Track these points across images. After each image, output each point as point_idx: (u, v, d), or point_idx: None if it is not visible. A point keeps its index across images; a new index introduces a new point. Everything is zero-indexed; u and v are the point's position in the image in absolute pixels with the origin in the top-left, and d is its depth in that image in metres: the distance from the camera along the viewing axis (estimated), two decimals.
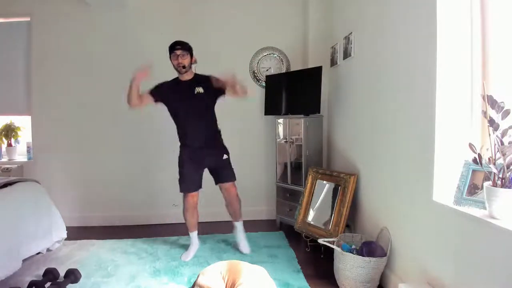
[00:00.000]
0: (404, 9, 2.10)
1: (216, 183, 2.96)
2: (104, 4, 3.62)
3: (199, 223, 3.10)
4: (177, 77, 2.89)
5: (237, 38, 3.84)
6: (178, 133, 2.93)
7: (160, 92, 2.84)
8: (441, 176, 1.77)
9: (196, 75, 2.92)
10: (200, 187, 2.93)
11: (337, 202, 2.79)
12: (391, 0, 2.26)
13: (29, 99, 3.74)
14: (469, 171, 1.65)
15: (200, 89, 2.83)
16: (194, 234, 2.98)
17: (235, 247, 3.05)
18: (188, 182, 2.87)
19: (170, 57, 2.81)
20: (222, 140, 3.00)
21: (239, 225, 3.04)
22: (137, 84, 2.68)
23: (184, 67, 2.78)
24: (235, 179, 2.98)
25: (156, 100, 2.85)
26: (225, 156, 2.93)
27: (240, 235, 3.02)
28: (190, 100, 2.82)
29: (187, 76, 2.87)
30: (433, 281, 1.79)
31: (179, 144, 2.96)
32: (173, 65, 2.81)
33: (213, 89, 2.82)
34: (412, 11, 2.00)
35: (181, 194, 2.93)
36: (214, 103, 2.93)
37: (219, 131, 3.00)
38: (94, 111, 3.77)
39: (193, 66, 2.90)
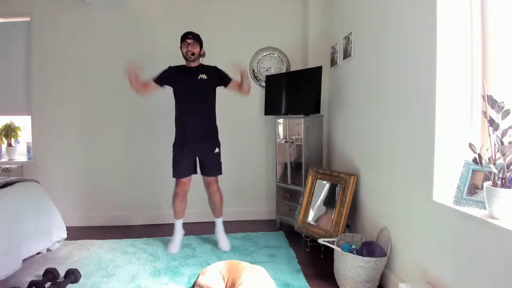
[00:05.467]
0: (404, 9, 2.10)
1: (201, 173, 3.02)
2: (104, 4, 3.62)
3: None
4: (184, 65, 2.99)
5: (237, 38, 3.84)
6: (176, 118, 3.00)
7: (165, 76, 2.96)
8: (441, 176, 1.77)
9: (202, 64, 3.02)
10: (194, 172, 3.00)
11: (337, 202, 2.79)
12: (391, 0, 2.26)
13: (29, 99, 3.74)
14: (469, 171, 1.65)
15: (204, 76, 2.94)
16: (179, 222, 3.04)
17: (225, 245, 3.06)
18: (181, 168, 2.94)
19: (180, 46, 2.92)
20: (217, 133, 3.05)
21: (218, 222, 3.07)
22: (132, 79, 2.79)
23: (193, 54, 2.89)
24: (219, 173, 3.02)
25: (161, 84, 2.96)
26: (216, 150, 2.99)
27: (220, 232, 3.05)
28: (193, 84, 2.92)
29: (194, 64, 2.96)
30: (433, 281, 1.79)
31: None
32: (182, 53, 2.92)
33: (215, 78, 2.98)
34: (412, 11, 2.00)
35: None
36: (214, 92, 3.01)
37: (216, 125, 3.05)
38: (94, 111, 3.76)
39: (200, 58, 3.01)
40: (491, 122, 1.44)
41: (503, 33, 1.61)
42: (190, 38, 2.87)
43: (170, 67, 3.00)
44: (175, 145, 2.99)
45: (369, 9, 2.62)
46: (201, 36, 2.95)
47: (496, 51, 1.65)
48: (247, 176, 3.95)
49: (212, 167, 2.98)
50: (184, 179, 2.96)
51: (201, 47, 2.95)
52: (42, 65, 3.69)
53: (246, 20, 3.85)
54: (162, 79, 2.95)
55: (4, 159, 3.86)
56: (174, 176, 2.97)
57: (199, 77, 2.91)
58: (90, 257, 2.85)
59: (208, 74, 2.95)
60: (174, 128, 3.03)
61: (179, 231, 3.04)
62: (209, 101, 3.00)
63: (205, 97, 2.97)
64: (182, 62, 3.00)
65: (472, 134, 1.73)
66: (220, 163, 3.02)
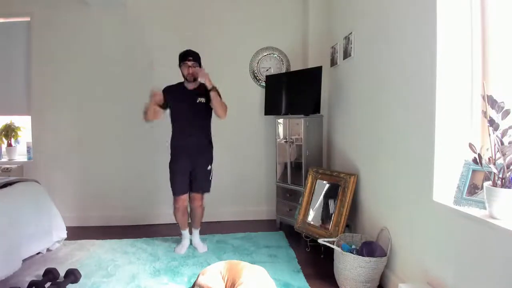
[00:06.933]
0: (404, 9, 2.10)
1: (189, 189, 3.01)
2: (103, 4, 3.63)
3: None
4: (183, 83, 2.97)
5: (237, 38, 3.85)
6: (172, 136, 3.00)
7: (166, 97, 2.90)
8: (441, 176, 1.77)
9: (201, 85, 2.94)
10: (189, 190, 3.01)
11: (337, 202, 2.79)
12: (391, 0, 2.26)
13: (29, 99, 3.74)
14: (469, 171, 1.65)
15: (202, 99, 2.92)
16: (186, 232, 3.09)
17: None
18: (178, 187, 2.97)
19: (179, 65, 2.90)
20: (212, 149, 3.06)
21: (195, 232, 3.11)
22: (156, 102, 2.78)
23: (195, 79, 2.88)
24: (207, 191, 3.04)
25: (165, 108, 2.94)
26: (208, 167, 3.01)
27: (196, 239, 3.09)
28: (191, 108, 2.92)
29: (193, 85, 2.94)
30: (433, 281, 1.79)
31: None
32: (183, 73, 2.90)
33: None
34: (412, 11, 2.00)
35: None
36: (211, 111, 2.98)
37: (211, 142, 3.06)
38: (94, 111, 3.76)
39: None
40: (491, 122, 1.44)
41: (503, 33, 1.61)
42: (191, 60, 2.85)
43: (165, 89, 2.93)
44: (172, 167, 2.99)
45: (369, 9, 2.62)
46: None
47: (496, 51, 1.65)
48: (247, 176, 3.95)
49: (201, 184, 2.99)
50: (182, 196, 2.99)
51: (200, 65, 2.92)
52: (42, 65, 3.69)
53: (246, 20, 3.84)
54: (164, 103, 2.93)
55: (4, 159, 3.86)
56: (173, 193, 2.99)
57: (198, 101, 2.91)
58: (90, 257, 2.85)
59: (206, 97, 2.91)
60: (170, 141, 3.01)
61: (187, 238, 3.10)
62: (206, 120, 3.01)
63: (203, 118, 2.98)
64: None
65: (472, 134, 1.73)
66: (210, 180, 3.04)
